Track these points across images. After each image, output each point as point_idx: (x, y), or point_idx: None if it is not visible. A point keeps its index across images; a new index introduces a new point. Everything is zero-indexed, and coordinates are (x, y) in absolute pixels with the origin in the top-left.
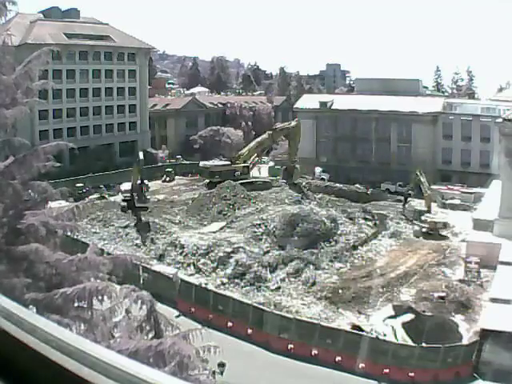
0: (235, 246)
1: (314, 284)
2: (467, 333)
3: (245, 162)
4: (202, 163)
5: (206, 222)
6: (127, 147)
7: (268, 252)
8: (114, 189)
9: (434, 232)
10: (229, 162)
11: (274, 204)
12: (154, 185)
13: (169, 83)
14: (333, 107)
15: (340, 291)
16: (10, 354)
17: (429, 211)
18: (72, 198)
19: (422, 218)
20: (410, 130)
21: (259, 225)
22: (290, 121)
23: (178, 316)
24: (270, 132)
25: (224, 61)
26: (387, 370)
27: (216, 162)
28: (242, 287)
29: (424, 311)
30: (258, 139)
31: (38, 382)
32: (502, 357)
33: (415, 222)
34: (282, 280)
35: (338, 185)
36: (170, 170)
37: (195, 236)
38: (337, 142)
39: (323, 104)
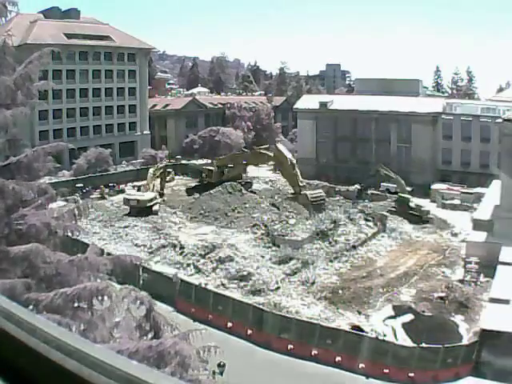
0: (235, 246)
1: (313, 284)
2: (467, 333)
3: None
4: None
5: (207, 223)
6: (127, 147)
7: (267, 252)
8: (113, 189)
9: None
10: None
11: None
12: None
13: (169, 83)
14: (333, 107)
15: (340, 291)
16: (10, 354)
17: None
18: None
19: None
20: (409, 130)
21: (258, 225)
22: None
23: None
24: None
25: (224, 61)
26: (387, 371)
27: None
28: (242, 288)
29: (424, 311)
30: (237, 153)
31: (38, 382)
32: (501, 357)
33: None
34: (282, 280)
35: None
36: (170, 170)
37: (194, 237)
38: (337, 142)
39: (323, 104)
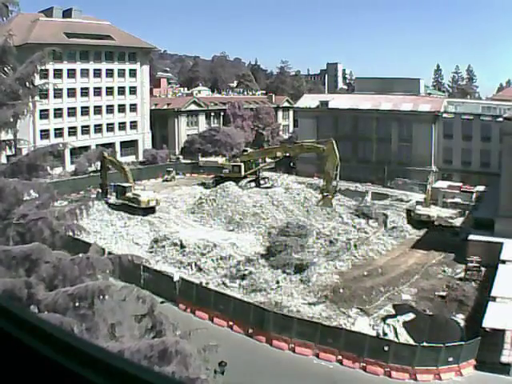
0: (236, 246)
1: (313, 283)
2: (468, 332)
3: (245, 162)
4: (203, 159)
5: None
6: (128, 146)
7: (268, 251)
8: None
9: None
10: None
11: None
12: (153, 184)
13: (169, 82)
14: (333, 107)
15: (341, 290)
16: (10, 354)
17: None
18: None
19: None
20: (410, 129)
21: (259, 224)
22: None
23: (162, 302)
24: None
25: (224, 60)
26: (388, 369)
27: (218, 158)
28: (243, 287)
29: (425, 310)
30: (268, 148)
31: (39, 382)
32: (501, 355)
33: None
34: (283, 279)
35: None
36: (170, 169)
37: (196, 235)
38: (337, 141)
39: (324, 103)
